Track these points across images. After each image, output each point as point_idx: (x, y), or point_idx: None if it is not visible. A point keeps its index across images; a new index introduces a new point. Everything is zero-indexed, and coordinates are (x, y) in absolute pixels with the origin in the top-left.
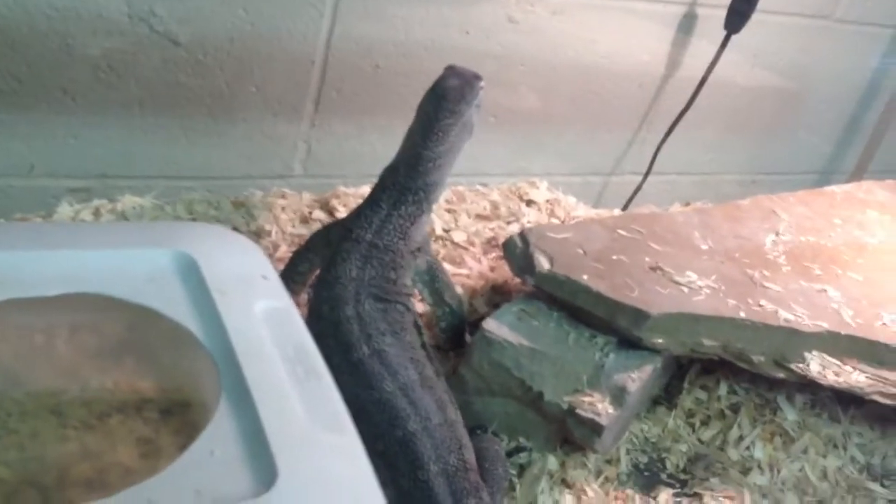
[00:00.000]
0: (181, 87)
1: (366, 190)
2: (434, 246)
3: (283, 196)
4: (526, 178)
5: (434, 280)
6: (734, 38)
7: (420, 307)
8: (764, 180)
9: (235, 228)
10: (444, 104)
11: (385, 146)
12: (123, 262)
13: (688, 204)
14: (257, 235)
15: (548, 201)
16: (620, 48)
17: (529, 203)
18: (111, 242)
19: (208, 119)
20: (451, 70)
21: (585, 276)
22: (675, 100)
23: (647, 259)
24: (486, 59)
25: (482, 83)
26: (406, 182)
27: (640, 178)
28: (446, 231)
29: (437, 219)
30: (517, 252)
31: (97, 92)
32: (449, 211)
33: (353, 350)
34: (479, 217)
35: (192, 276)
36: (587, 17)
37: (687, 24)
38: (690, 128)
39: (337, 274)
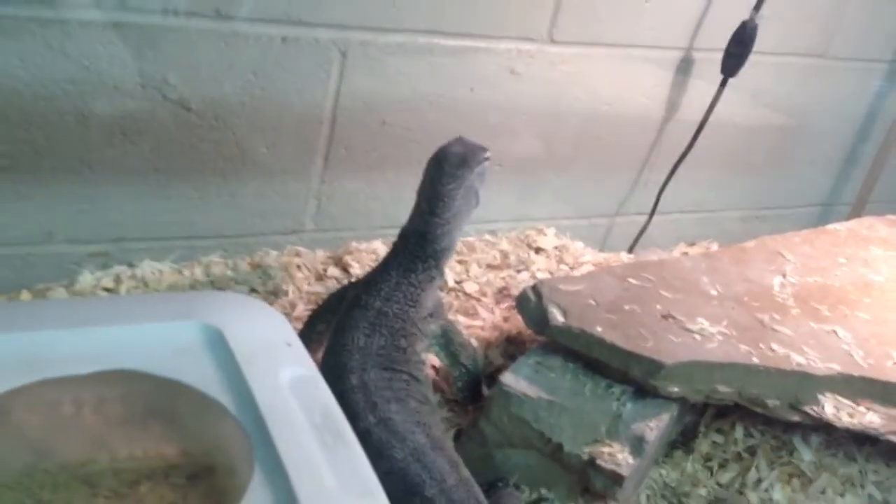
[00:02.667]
0: (194, 151)
1: (377, 245)
2: (446, 298)
3: (298, 254)
4: (533, 224)
5: (449, 343)
6: (731, 80)
7: (437, 361)
8: (767, 215)
9: (254, 290)
10: (445, 169)
11: (394, 200)
12: (151, 336)
13: (692, 244)
14: (274, 295)
15: (556, 248)
16: (621, 94)
17: (538, 250)
18: (138, 316)
19: (221, 180)
20: (456, 139)
21: (599, 328)
22: (675, 141)
23: (658, 307)
24: (490, 111)
25: (487, 154)
26: (416, 250)
27: (644, 218)
28: (458, 283)
29: (449, 271)
30: (531, 306)
31: (113, 159)
32: (460, 262)
33: (359, 420)
34: (490, 267)
35: (218, 347)
36: (586, 65)
37: (684, 69)
38: (692, 167)
39: (344, 342)
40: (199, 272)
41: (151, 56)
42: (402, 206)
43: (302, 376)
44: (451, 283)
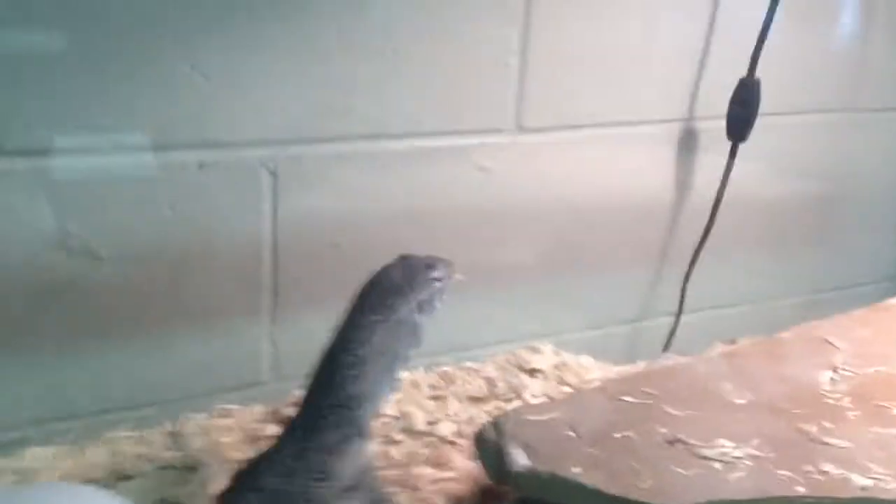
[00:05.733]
0: (111, 306)
1: None
2: (415, 445)
3: (227, 415)
4: (529, 345)
5: None
6: (743, 146)
7: None
8: (827, 299)
9: (169, 467)
10: (370, 296)
11: None
12: None
13: (733, 341)
14: (192, 470)
15: (555, 367)
16: (618, 179)
17: (533, 373)
18: None
19: (148, 338)
20: (400, 259)
21: (577, 469)
22: (694, 225)
23: (662, 430)
24: (464, 216)
25: (437, 273)
26: (320, 398)
27: (670, 319)
28: (431, 424)
29: (418, 410)
30: (489, 448)
31: (19, 334)
32: (434, 398)
33: None
34: (473, 400)
35: None
36: (568, 151)
37: (688, 141)
38: (720, 253)
39: None
40: (102, 452)
41: (43, 202)
42: None
43: None
44: (420, 426)
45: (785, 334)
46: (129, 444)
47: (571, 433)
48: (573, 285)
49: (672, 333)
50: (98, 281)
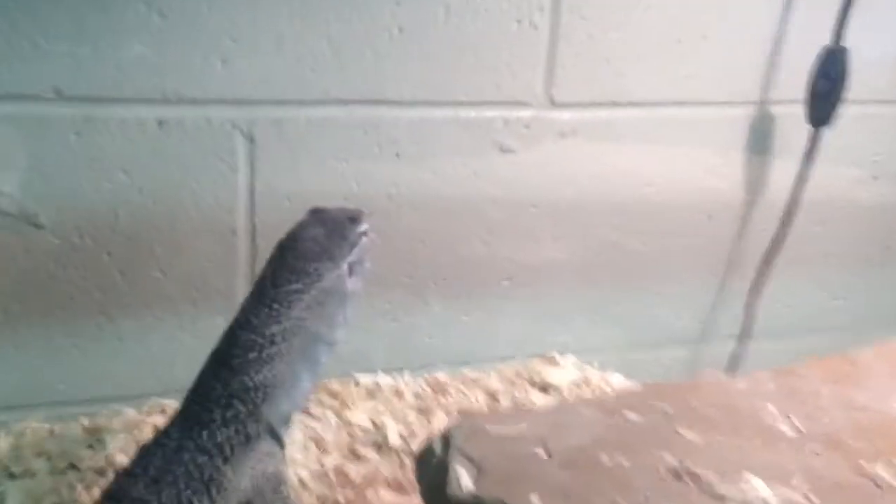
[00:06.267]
0: (56, 283)
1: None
2: (380, 464)
3: (164, 410)
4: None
5: None
6: (828, 133)
7: None
8: None
9: (72, 465)
10: (285, 261)
11: (356, 332)
12: None
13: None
14: (99, 474)
15: (574, 383)
16: (671, 171)
17: (544, 388)
18: None
19: (102, 320)
20: (313, 213)
21: (535, 499)
22: (765, 230)
23: (669, 459)
24: (482, 204)
25: (363, 227)
26: (208, 388)
27: (734, 343)
28: (405, 440)
29: (394, 423)
30: (432, 465)
31: None
32: (418, 410)
33: None
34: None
35: None
36: (610, 135)
37: (759, 127)
38: (795, 265)
39: None
40: (3, 444)
41: None
42: (369, 340)
43: None
44: (394, 441)
45: (862, 352)
46: (36, 435)
47: (541, 452)
48: (613, 295)
49: (735, 360)
50: (36, 252)
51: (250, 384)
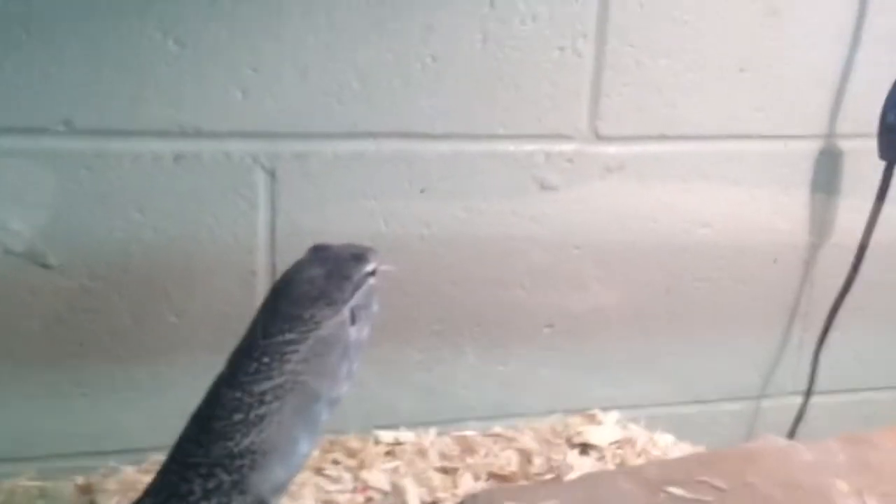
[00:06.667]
0: (65, 327)
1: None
2: None
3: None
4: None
5: None
6: None
7: None
8: None
9: None
10: (278, 307)
11: (399, 382)
12: None
13: None
14: None
15: (616, 444)
16: (729, 212)
17: (584, 448)
18: None
19: (113, 367)
20: (314, 251)
21: None
22: (832, 277)
23: None
24: (521, 245)
25: (370, 267)
26: (186, 454)
27: (798, 400)
28: None
29: (415, 485)
30: None
31: None
32: (443, 471)
33: None
34: (496, 477)
35: None
36: (660, 172)
37: (826, 164)
38: (865, 315)
39: None
40: None
41: None
42: (393, 392)
43: None
44: None
45: None
46: (25, 497)
47: None
48: (663, 345)
49: (798, 419)
50: (44, 294)
51: (235, 450)
